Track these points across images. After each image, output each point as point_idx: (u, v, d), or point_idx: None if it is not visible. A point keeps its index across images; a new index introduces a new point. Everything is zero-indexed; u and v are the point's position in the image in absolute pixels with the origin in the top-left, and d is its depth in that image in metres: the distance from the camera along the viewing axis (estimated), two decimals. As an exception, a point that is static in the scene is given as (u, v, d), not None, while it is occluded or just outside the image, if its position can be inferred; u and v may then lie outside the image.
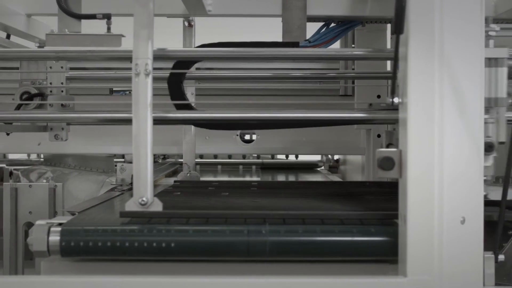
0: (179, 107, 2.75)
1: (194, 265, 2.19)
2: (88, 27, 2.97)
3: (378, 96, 3.90)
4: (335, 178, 5.15)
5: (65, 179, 4.58)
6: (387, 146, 2.67)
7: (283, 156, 6.10)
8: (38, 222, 2.20)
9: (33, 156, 6.05)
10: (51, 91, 3.10)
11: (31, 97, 3.06)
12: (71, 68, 3.36)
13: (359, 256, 2.17)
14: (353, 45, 4.09)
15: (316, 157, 5.95)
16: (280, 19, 2.95)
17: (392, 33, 2.13)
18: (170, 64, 2.86)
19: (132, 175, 2.74)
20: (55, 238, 2.15)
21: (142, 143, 2.16)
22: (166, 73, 2.85)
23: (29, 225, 3.38)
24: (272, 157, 6.03)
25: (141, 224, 2.18)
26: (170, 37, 3.62)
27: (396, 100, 2.08)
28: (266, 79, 3.97)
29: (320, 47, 2.94)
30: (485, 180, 2.02)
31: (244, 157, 5.80)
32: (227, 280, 2.07)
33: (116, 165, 3.66)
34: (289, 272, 2.18)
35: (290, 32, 2.89)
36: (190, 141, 3.90)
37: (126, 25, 2.55)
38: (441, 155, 1.98)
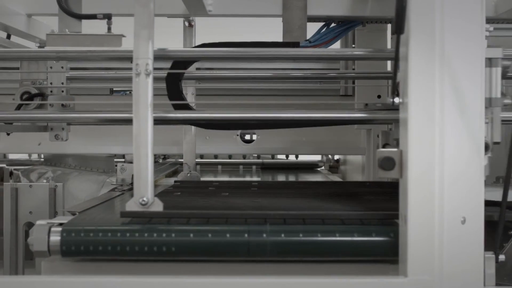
0: (177, 107, 2.75)
1: (195, 265, 2.19)
2: (89, 27, 2.97)
3: (379, 96, 3.89)
4: (335, 178, 5.15)
5: (65, 179, 4.57)
6: (383, 146, 2.66)
7: (283, 156, 6.10)
8: (38, 222, 2.20)
9: (34, 156, 6.05)
10: (51, 91, 3.10)
11: (31, 97, 3.06)
12: (72, 68, 3.36)
13: (360, 256, 2.17)
14: (353, 45, 4.08)
15: (316, 157, 5.95)
16: (280, 19, 2.94)
17: (392, 33, 2.13)
18: (170, 64, 2.86)
19: (132, 175, 2.75)
20: (55, 238, 2.15)
21: (143, 143, 2.16)
22: (166, 73, 2.85)
23: (30, 225, 3.38)
24: (272, 157, 6.02)
25: (141, 224, 2.18)
26: (170, 37, 3.62)
27: (396, 100, 2.08)
28: (266, 79, 3.97)
29: (321, 47, 2.94)
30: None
31: (244, 157, 5.80)
32: (228, 280, 2.07)
33: (116, 165, 3.67)
34: (289, 272, 2.18)
35: (291, 32, 2.89)
36: (191, 141, 3.90)
37: (126, 25, 2.55)
38: (441, 155, 1.98)
